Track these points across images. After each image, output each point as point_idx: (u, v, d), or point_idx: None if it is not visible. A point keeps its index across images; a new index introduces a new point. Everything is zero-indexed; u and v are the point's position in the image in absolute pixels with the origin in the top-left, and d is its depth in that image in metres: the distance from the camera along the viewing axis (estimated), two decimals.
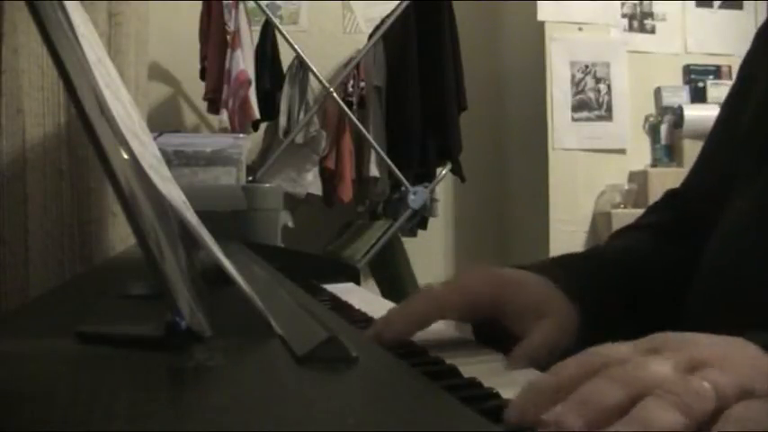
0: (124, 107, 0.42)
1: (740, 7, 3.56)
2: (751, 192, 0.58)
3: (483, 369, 0.47)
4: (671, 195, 0.76)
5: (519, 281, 0.57)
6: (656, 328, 0.61)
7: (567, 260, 0.66)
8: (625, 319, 0.61)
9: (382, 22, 3.10)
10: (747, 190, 0.58)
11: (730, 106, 0.71)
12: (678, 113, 3.36)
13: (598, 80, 3.32)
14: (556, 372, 0.36)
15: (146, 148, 0.42)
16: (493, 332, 0.56)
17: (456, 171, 3.18)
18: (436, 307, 0.53)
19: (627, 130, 3.37)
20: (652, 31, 3.49)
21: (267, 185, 1.94)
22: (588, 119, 3.31)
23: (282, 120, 3.05)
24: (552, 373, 0.36)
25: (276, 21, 3.10)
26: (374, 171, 3.10)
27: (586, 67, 3.31)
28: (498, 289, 0.56)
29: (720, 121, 0.72)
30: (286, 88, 3.08)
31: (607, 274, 0.64)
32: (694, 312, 0.59)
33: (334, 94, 3.00)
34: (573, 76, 3.29)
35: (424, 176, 3.09)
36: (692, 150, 3.28)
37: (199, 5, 3.03)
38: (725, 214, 0.59)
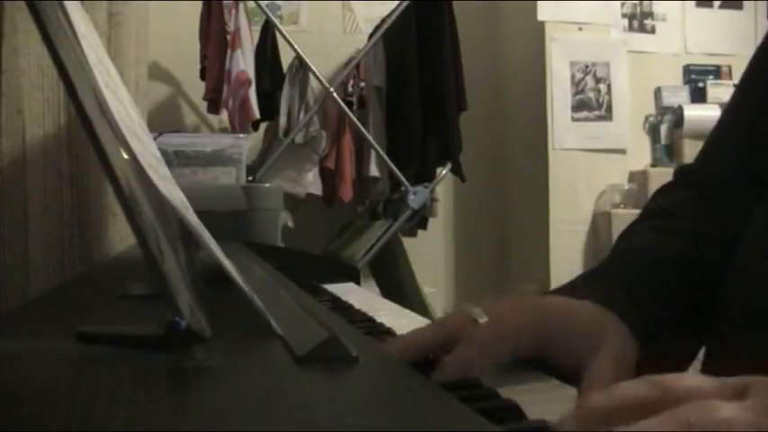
0: (124, 107, 0.42)
1: (740, 7, 3.56)
2: None
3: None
4: (681, 173, 0.71)
5: (564, 312, 0.52)
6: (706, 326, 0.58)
7: (608, 274, 0.61)
8: (681, 326, 0.57)
9: (382, 22, 3.10)
10: None
11: (754, 94, 0.66)
12: (678, 113, 3.36)
13: (598, 80, 3.32)
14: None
15: (146, 148, 0.42)
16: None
17: (456, 171, 3.18)
18: (479, 353, 0.48)
19: (627, 130, 3.37)
20: (652, 31, 3.49)
21: (267, 185, 1.95)
22: (588, 119, 3.31)
23: (282, 120, 3.05)
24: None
25: (276, 21, 3.10)
26: (374, 171, 3.10)
27: (586, 67, 3.31)
28: (542, 324, 0.50)
29: (743, 105, 0.68)
30: (286, 88, 3.08)
31: (654, 279, 0.59)
32: (735, 304, 0.56)
33: (335, 94, 3.00)
34: (573, 76, 3.29)
35: (424, 176, 3.09)
36: (692, 150, 3.28)
37: (199, 5, 3.03)
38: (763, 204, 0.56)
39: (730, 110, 0.69)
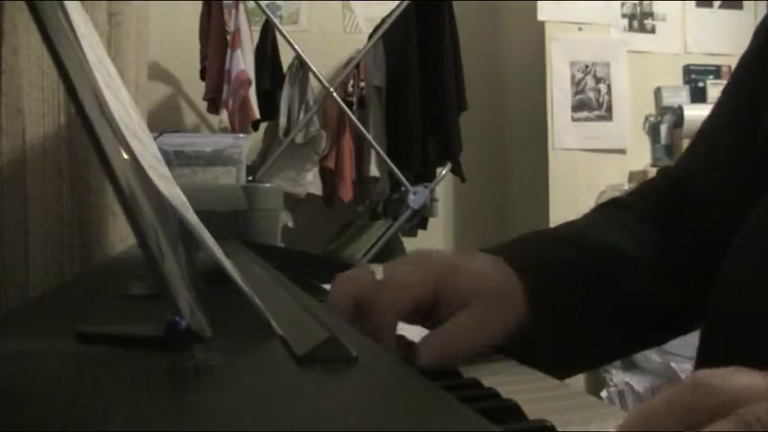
0: (124, 107, 0.42)
1: (740, 7, 3.56)
2: None
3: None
4: (664, 174, 0.72)
5: (452, 265, 0.53)
6: (625, 312, 0.59)
7: (527, 237, 0.62)
8: (586, 301, 0.57)
9: (382, 22, 3.10)
10: None
11: (737, 96, 0.66)
12: (678, 113, 3.36)
13: (598, 80, 3.32)
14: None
15: (146, 148, 0.42)
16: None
17: (456, 171, 3.18)
18: (383, 315, 0.50)
19: (627, 130, 3.37)
20: (652, 31, 3.49)
21: (267, 185, 1.94)
22: (588, 119, 3.31)
23: (282, 120, 3.05)
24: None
25: (276, 21, 3.10)
26: (374, 171, 3.10)
27: (586, 67, 3.31)
28: (430, 275, 0.51)
29: (724, 108, 0.68)
30: (286, 88, 3.08)
31: (564, 251, 0.59)
32: (725, 309, 0.57)
33: (335, 94, 3.00)
34: (573, 76, 3.29)
35: (424, 176, 3.09)
36: None
37: (199, 5, 3.03)
38: (758, 205, 0.56)
39: (714, 113, 0.69)
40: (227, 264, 0.45)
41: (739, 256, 0.56)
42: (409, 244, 3.23)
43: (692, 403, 0.28)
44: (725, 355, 0.55)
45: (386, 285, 0.51)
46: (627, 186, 3.25)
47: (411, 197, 2.97)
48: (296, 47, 2.98)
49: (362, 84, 3.18)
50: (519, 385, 0.44)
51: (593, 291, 0.58)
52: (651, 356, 2.73)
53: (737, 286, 0.55)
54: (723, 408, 0.27)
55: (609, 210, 0.67)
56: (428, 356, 0.48)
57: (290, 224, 2.89)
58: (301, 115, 3.04)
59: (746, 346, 0.52)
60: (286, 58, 3.15)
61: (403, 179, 2.98)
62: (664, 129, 3.43)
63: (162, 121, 3.02)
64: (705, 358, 0.58)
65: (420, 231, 3.29)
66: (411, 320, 0.53)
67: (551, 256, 0.58)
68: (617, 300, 0.59)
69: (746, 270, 0.55)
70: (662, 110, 3.47)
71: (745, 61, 0.66)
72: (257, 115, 2.94)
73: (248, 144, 2.12)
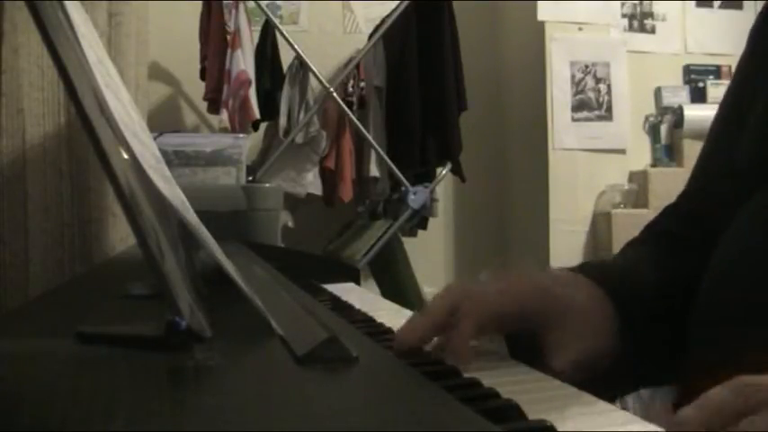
0: (124, 107, 0.42)
1: (740, 7, 3.56)
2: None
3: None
4: (671, 207, 0.74)
5: (564, 280, 0.56)
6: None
7: (606, 267, 0.64)
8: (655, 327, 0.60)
9: (382, 22, 3.10)
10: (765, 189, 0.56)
11: (731, 105, 0.68)
12: (678, 113, 3.36)
13: (598, 80, 3.32)
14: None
15: (146, 148, 0.42)
16: (527, 343, 0.54)
17: (456, 171, 3.18)
18: (489, 316, 0.51)
19: (627, 130, 3.37)
20: (652, 31, 3.49)
21: (267, 185, 1.95)
22: (588, 119, 3.31)
23: (282, 120, 3.05)
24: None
25: (276, 21, 3.10)
26: (374, 171, 3.10)
27: (586, 67, 3.31)
28: (518, 293, 0.54)
29: (720, 122, 0.70)
30: (286, 88, 3.08)
31: (639, 285, 0.62)
32: (706, 312, 0.57)
33: (335, 94, 3.00)
34: (573, 76, 3.29)
35: (424, 176, 3.09)
36: (692, 150, 3.28)
37: (199, 5, 3.03)
38: (739, 214, 0.57)
39: (714, 128, 0.70)
40: (228, 264, 0.45)
41: (719, 263, 0.57)
42: (409, 244, 3.23)
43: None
44: (704, 356, 0.56)
45: (469, 295, 0.53)
46: (627, 186, 3.25)
47: (411, 197, 2.96)
48: (296, 47, 2.98)
49: (362, 84, 3.18)
50: (519, 385, 0.44)
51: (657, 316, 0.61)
52: None
53: (717, 294, 0.56)
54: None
55: (640, 242, 0.71)
56: (567, 358, 0.50)
57: (290, 224, 2.89)
58: (301, 115, 3.04)
59: (721, 344, 0.53)
60: (286, 58, 3.15)
61: (403, 179, 2.98)
62: (664, 129, 3.43)
63: (162, 121, 3.02)
64: (688, 363, 0.59)
65: (420, 231, 3.30)
66: (493, 330, 0.54)
67: (627, 279, 0.61)
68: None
69: (723, 277, 0.56)
70: (662, 110, 3.47)
71: (732, 82, 0.68)
72: (257, 115, 2.94)
73: (248, 144, 2.12)
